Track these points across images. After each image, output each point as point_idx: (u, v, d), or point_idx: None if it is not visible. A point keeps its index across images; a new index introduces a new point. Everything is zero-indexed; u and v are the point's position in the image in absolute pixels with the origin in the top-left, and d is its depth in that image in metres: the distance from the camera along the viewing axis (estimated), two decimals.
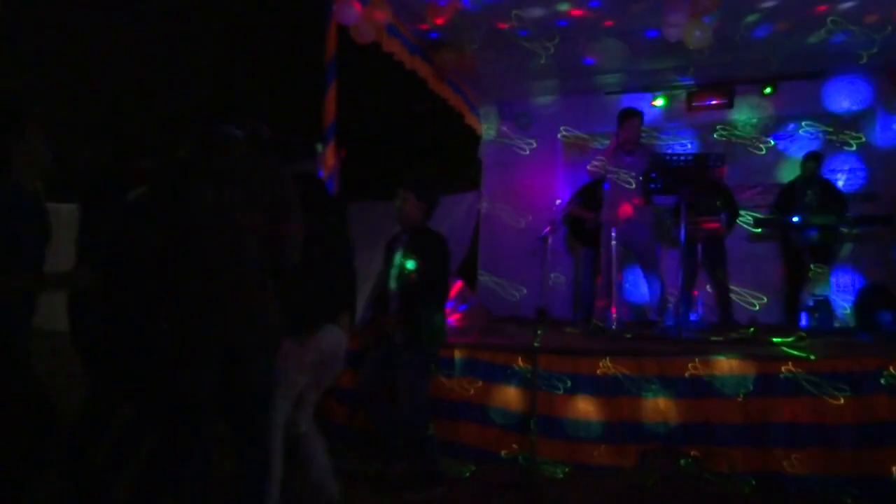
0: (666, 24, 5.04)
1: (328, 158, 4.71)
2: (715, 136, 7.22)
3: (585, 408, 4.02)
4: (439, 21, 5.03)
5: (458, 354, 4.37)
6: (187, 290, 2.42)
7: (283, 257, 2.58)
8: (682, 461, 3.83)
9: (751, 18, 5.53)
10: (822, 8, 5.37)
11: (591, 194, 6.15)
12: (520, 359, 4.18)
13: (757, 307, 6.09)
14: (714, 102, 7.21)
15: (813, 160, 6.12)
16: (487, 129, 8.10)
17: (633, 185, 5.16)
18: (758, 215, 6.45)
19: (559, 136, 7.79)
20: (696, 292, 6.20)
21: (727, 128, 7.20)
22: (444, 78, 6.51)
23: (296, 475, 3.11)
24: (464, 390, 4.30)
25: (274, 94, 5.49)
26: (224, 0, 5.54)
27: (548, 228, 6.24)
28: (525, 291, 7.42)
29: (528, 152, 7.85)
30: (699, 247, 5.94)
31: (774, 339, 4.53)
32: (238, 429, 2.63)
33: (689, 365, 3.93)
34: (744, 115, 7.17)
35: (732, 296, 6.35)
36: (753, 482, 3.68)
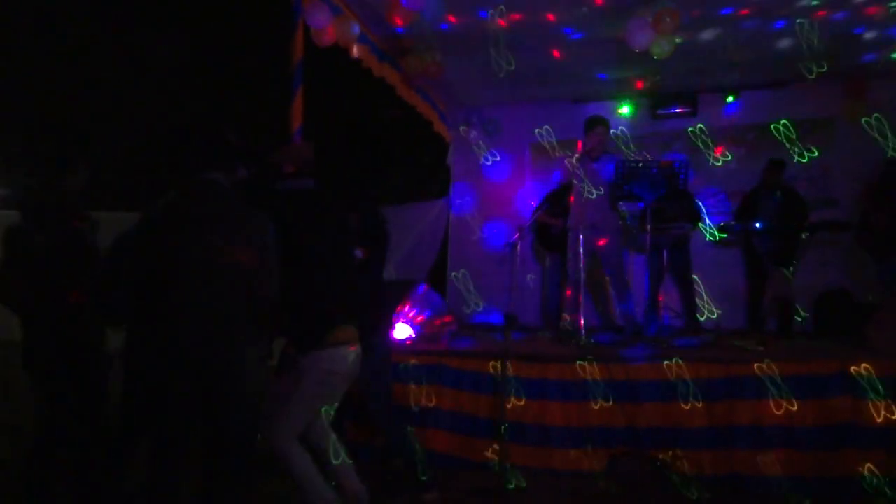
0: (630, 41, 5.12)
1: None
2: (679, 143, 7.34)
3: (554, 413, 4.04)
4: (399, 21, 5.00)
5: (425, 361, 4.35)
6: (164, 324, 2.50)
7: (261, 293, 2.65)
8: (650, 465, 3.86)
9: None
10: (782, 24, 5.49)
11: (557, 201, 6.19)
12: (490, 365, 4.18)
13: (717, 314, 6.20)
14: (678, 111, 7.34)
15: (775, 167, 6.24)
16: (455, 135, 8.11)
17: (599, 193, 5.21)
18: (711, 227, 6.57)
19: (527, 143, 7.84)
20: (661, 297, 6.27)
21: (691, 135, 7.32)
22: (413, 85, 6.50)
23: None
24: (432, 397, 4.28)
25: (240, 99, 5.42)
26: (189, 4, 5.46)
27: (516, 235, 6.27)
28: (494, 298, 7.43)
29: (491, 161, 7.88)
30: (665, 252, 6.01)
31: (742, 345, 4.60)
32: (213, 465, 2.58)
33: (656, 369, 3.97)
34: (707, 122, 7.30)
35: (697, 301, 6.44)
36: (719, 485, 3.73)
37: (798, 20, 5.44)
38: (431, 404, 4.28)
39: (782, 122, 6.78)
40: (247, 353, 2.62)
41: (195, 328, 2.48)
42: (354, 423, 4.14)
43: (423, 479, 3.62)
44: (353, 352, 2.99)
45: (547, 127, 6.76)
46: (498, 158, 7.75)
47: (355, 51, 5.36)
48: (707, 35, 5.70)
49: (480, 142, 7.81)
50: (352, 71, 5.60)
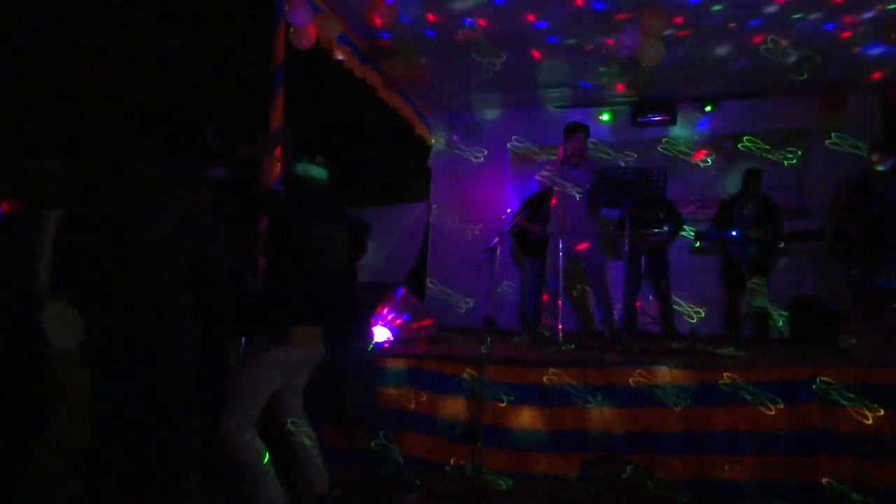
0: (619, 45, 5.16)
1: (274, 164, 4.63)
2: (659, 150, 7.42)
3: (530, 417, 4.05)
4: (378, 22, 4.99)
5: (404, 364, 4.34)
6: (114, 303, 2.50)
7: (208, 280, 2.70)
8: (625, 469, 3.89)
9: None
10: (758, 39, 5.58)
11: (537, 206, 6.22)
12: (467, 369, 4.18)
13: (694, 320, 6.26)
14: (657, 118, 7.42)
15: (752, 176, 6.32)
16: (437, 139, 8.12)
17: (579, 198, 5.24)
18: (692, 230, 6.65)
19: (508, 147, 7.87)
20: (639, 303, 6.33)
21: (670, 143, 7.41)
22: (395, 87, 6.50)
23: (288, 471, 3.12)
24: (410, 400, 4.27)
25: (220, 99, 5.37)
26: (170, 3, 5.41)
27: (496, 239, 6.28)
28: (471, 302, 7.44)
29: (481, 159, 7.90)
30: (643, 258, 6.06)
31: (718, 351, 4.65)
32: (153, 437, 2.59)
33: (633, 375, 4.00)
34: (686, 131, 7.40)
35: (674, 307, 6.50)
36: (692, 489, 3.76)
37: (770, 38, 5.54)
38: (409, 408, 4.27)
39: (745, 137, 6.90)
40: (189, 342, 2.64)
41: (141, 317, 2.49)
42: (335, 427, 4.13)
43: (404, 482, 3.64)
44: (309, 351, 3.05)
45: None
46: (483, 157, 7.77)
47: (337, 52, 5.35)
48: (688, 44, 5.77)
49: (461, 146, 7.84)
50: (333, 73, 5.59)
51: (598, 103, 7.57)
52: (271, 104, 4.60)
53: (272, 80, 4.61)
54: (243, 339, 3.45)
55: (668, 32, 5.27)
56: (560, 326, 5.12)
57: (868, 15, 5.28)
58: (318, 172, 3.25)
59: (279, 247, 3.10)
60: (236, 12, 5.17)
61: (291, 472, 3.19)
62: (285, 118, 4.74)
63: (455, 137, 7.99)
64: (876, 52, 5.88)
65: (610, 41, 5.38)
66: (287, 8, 4.62)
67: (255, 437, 2.92)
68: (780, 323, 6.11)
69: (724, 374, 3.89)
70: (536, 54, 6.09)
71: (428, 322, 5.13)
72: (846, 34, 5.58)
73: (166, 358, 2.55)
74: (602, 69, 6.45)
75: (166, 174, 2.65)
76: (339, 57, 5.43)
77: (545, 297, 5.52)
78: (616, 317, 5.57)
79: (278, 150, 4.25)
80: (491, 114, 7.85)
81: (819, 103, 6.86)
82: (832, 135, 6.42)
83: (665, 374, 3.96)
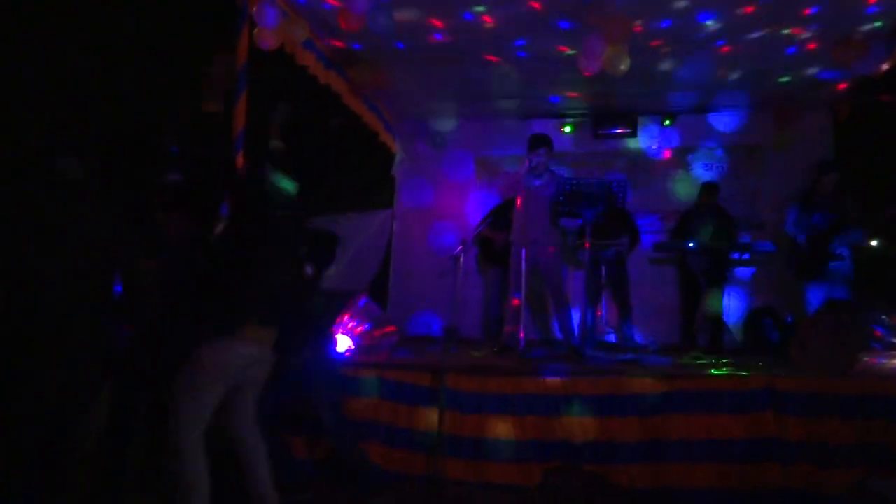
0: (584, 54, 5.23)
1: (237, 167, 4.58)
2: (619, 162, 7.54)
3: (492, 427, 4.04)
4: (345, 27, 4.99)
5: (365, 374, 4.30)
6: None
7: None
8: (585, 479, 3.91)
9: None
10: (726, 48, 5.75)
11: (500, 216, 6.26)
12: (429, 378, 4.16)
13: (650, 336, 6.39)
14: (619, 131, 7.54)
15: (709, 189, 6.48)
16: (402, 147, 8.12)
17: (541, 208, 5.29)
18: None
19: (472, 156, 7.92)
20: (599, 312, 6.41)
21: (631, 155, 7.55)
22: (360, 94, 6.48)
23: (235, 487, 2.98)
24: (370, 410, 4.23)
25: (182, 102, 5.27)
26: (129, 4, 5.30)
27: (459, 248, 6.29)
28: (436, 310, 7.44)
29: (440, 171, 7.94)
30: (603, 268, 6.14)
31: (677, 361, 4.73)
32: None
33: (593, 384, 4.03)
34: (646, 143, 7.55)
35: (633, 316, 6.60)
36: (651, 498, 3.80)
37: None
38: (369, 418, 4.22)
39: (715, 145, 7.08)
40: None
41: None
42: (297, 437, 4.07)
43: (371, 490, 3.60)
44: (256, 351, 2.92)
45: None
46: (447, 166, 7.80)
47: (301, 57, 5.31)
48: (648, 58, 5.89)
49: (426, 154, 7.85)
50: (297, 77, 5.54)
51: (561, 115, 7.68)
52: (234, 107, 4.54)
53: (235, 82, 4.55)
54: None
55: (632, 45, 5.38)
56: (522, 335, 5.15)
57: (818, 39, 5.49)
58: (288, 185, 3.19)
59: (239, 236, 3.01)
60: (199, 14, 5.08)
61: (240, 487, 3.06)
62: (248, 121, 4.69)
63: (419, 147, 8.00)
64: (826, 73, 6.10)
65: (569, 50, 5.45)
66: (253, 10, 4.57)
67: (200, 449, 2.76)
68: (735, 332, 6.25)
69: (681, 383, 3.95)
70: (498, 63, 6.13)
71: (390, 330, 5.10)
72: (797, 55, 5.78)
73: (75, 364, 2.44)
74: (565, 82, 6.54)
75: (94, 175, 2.56)
76: (304, 62, 5.39)
77: (507, 306, 5.54)
78: (576, 326, 5.62)
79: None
80: (455, 123, 7.88)
81: (773, 119, 7.06)
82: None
83: (624, 383, 4.01)
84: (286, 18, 4.94)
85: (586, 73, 5.27)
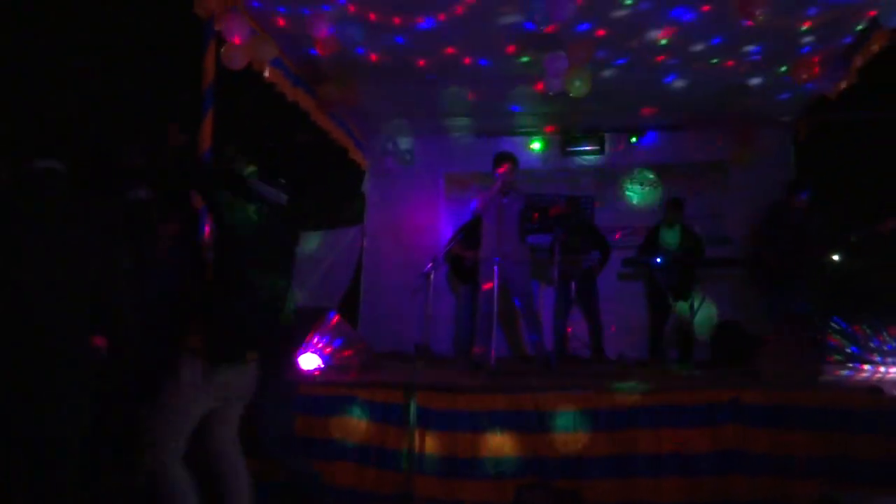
0: (547, 74, 5.31)
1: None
2: (587, 179, 7.64)
3: (463, 444, 4.02)
4: (322, 52, 5.00)
5: (334, 392, 4.25)
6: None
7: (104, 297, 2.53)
8: (556, 495, 3.91)
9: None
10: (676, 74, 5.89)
11: (470, 233, 6.28)
12: (399, 396, 4.13)
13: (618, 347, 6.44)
14: (587, 148, 7.65)
15: (674, 205, 6.58)
16: (372, 164, 8.12)
17: (509, 225, 5.32)
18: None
19: (442, 173, 7.96)
20: (570, 328, 6.45)
21: (599, 172, 7.66)
22: (328, 111, 6.47)
23: None
24: (339, 429, 4.18)
25: (147, 119, 5.22)
26: (94, 20, 5.23)
27: (430, 265, 6.30)
28: (407, 328, 7.42)
29: (409, 188, 7.95)
30: (573, 284, 6.19)
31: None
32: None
33: (564, 399, 4.04)
34: (613, 160, 7.67)
35: (604, 331, 6.65)
36: None
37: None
38: (338, 437, 4.17)
39: (681, 162, 7.22)
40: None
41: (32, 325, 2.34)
42: (253, 458, 3.98)
43: None
44: (241, 370, 2.89)
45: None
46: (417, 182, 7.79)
47: (268, 73, 5.29)
48: (612, 76, 6.01)
49: (396, 171, 7.86)
50: (264, 95, 5.53)
51: (530, 132, 7.76)
52: (200, 125, 4.50)
53: (202, 101, 4.51)
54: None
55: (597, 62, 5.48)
56: (493, 352, 5.15)
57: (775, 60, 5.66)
58: (270, 194, 3.07)
59: (226, 259, 2.93)
60: (165, 32, 5.05)
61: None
62: (215, 139, 4.64)
63: (389, 163, 8.00)
64: (785, 94, 6.29)
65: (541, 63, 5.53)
66: (219, 28, 4.54)
67: (182, 468, 2.74)
68: (701, 346, 6.33)
69: (650, 398, 3.98)
70: (464, 81, 6.19)
71: (360, 348, 5.06)
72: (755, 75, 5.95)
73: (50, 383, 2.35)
74: (532, 99, 6.62)
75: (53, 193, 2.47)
76: (271, 80, 5.38)
77: (478, 323, 5.54)
78: (547, 342, 5.64)
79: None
80: (425, 140, 7.91)
81: (734, 137, 7.22)
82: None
83: (594, 398, 4.02)
84: (254, 36, 4.93)
85: (550, 93, 5.36)
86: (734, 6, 4.29)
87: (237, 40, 4.58)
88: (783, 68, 5.74)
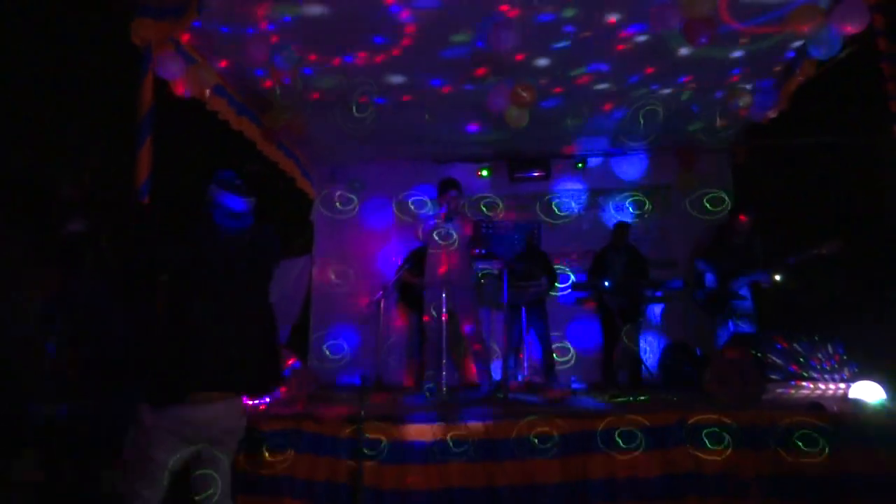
0: (490, 105, 5.38)
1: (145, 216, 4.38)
2: (535, 205, 7.72)
3: (413, 476, 3.93)
4: (267, 85, 4.96)
5: (280, 426, 4.12)
6: None
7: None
8: None
9: (570, 122, 6.17)
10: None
11: (419, 260, 6.24)
12: (347, 429, 4.02)
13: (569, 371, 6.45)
14: (534, 174, 7.75)
15: (621, 229, 6.70)
16: (319, 193, 8.04)
17: (454, 252, 5.30)
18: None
19: (392, 200, 7.93)
20: (521, 354, 6.43)
21: (546, 197, 7.75)
22: (274, 140, 6.39)
23: None
24: (286, 464, 4.04)
25: (83, 150, 5.05)
26: (27, 46, 5.06)
27: (380, 293, 6.22)
28: (358, 357, 7.31)
29: (359, 216, 7.90)
30: (523, 310, 6.19)
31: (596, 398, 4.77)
32: None
33: (514, 427, 4.00)
34: (560, 186, 7.78)
35: (555, 356, 6.66)
36: None
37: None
38: (286, 473, 4.03)
39: (626, 187, 7.37)
40: None
41: None
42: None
43: None
44: (212, 414, 2.70)
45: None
46: (365, 209, 7.76)
47: (211, 103, 5.20)
48: (556, 105, 6.12)
49: (345, 199, 7.80)
50: (208, 123, 5.42)
51: (478, 160, 7.82)
52: (137, 154, 4.36)
53: (138, 129, 4.38)
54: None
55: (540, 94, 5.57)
56: (443, 379, 5.09)
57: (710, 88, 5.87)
58: (234, 203, 2.83)
59: (183, 290, 2.70)
60: (99, 56, 4.91)
61: None
62: (155, 169, 4.51)
63: (338, 192, 7.93)
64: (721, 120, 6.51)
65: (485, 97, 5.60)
66: (155, 57, 4.45)
67: None
68: (651, 368, 6.40)
69: (602, 422, 3.98)
70: (412, 107, 6.20)
71: (307, 381, 4.93)
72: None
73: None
74: (479, 126, 6.69)
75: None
76: (214, 108, 5.28)
77: (426, 351, 5.48)
78: (497, 369, 5.61)
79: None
80: (374, 167, 7.88)
81: (677, 162, 7.42)
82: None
83: (545, 425, 4.00)
84: (193, 65, 4.84)
85: (493, 112, 5.45)
86: (682, 32, 4.41)
87: (171, 74, 4.51)
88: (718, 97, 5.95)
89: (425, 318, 5.35)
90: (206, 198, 2.83)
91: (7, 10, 4.60)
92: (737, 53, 5.24)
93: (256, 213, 2.93)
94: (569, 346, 6.81)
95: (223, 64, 5.27)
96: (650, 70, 5.52)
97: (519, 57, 5.16)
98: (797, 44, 5.14)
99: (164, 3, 4.40)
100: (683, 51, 5.14)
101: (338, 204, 7.61)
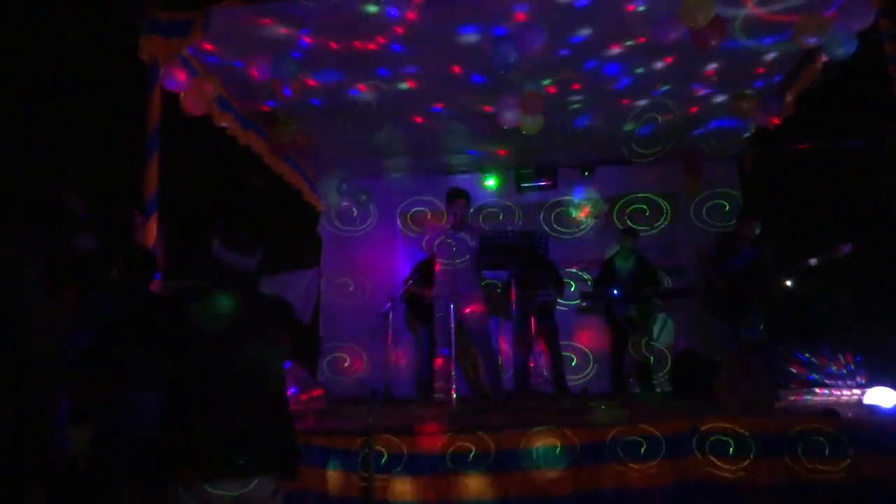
0: (500, 118, 5.40)
1: (150, 231, 4.41)
2: (542, 214, 7.72)
3: (424, 489, 3.91)
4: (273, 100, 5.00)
5: None
6: None
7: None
8: None
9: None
10: (626, 101, 6.04)
11: (427, 271, 6.24)
12: (357, 442, 4.01)
13: (580, 380, 6.42)
14: (541, 184, 7.74)
15: (629, 237, 6.67)
16: (327, 205, 8.06)
17: (464, 263, 5.29)
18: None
19: (398, 212, 7.94)
20: (531, 364, 6.40)
21: (553, 206, 7.74)
22: (281, 154, 6.42)
23: None
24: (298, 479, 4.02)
25: (89, 163, 5.09)
26: (37, 59, 5.13)
27: (388, 305, 6.22)
28: (368, 370, 7.29)
29: (368, 228, 7.91)
30: (532, 319, 6.17)
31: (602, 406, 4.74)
32: None
33: (525, 437, 3.98)
34: (567, 195, 7.77)
35: (565, 365, 6.63)
36: None
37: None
38: (299, 487, 4.01)
39: (634, 195, 7.36)
40: None
41: None
42: None
43: None
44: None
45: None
46: (374, 221, 7.78)
47: (219, 118, 5.23)
48: (565, 114, 6.12)
49: (352, 211, 7.83)
50: (215, 138, 5.46)
51: (485, 169, 7.83)
52: (145, 168, 4.40)
53: (146, 144, 4.42)
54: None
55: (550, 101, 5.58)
56: (454, 391, 5.07)
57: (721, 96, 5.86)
58: (239, 261, 2.48)
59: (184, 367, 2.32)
60: (108, 73, 4.97)
61: None
62: (162, 183, 4.54)
63: (344, 204, 7.95)
64: (728, 124, 6.49)
65: (491, 109, 5.60)
66: (162, 72, 4.49)
67: None
68: (661, 376, 6.36)
69: (614, 431, 3.94)
70: (421, 122, 6.24)
71: (317, 394, 4.92)
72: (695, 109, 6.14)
73: None
74: (486, 137, 6.70)
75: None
76: (222, 123, 5.32)
77: (437, 363, 5.45)
78: (507, 379, 5.58)
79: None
80: (381, 179, 7.91)
81: (684, 169, 7.40)
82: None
83: (557, 435, 3.97)
84: (197, 77, 4.88)
85: (505, 126, 5.44)
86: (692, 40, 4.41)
87: (178, 87, 4.55)
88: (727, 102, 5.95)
89: (434, 330, 5.33)
90: (208, 246, 2.49)
91: (16, 27, 4.66)
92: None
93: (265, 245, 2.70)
94: (574, 354, 6.78)
95: (228, 78, 5.30)
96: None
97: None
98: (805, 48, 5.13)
99: (172, 20, 4.45)
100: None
101: (354, 212, 7.63)
